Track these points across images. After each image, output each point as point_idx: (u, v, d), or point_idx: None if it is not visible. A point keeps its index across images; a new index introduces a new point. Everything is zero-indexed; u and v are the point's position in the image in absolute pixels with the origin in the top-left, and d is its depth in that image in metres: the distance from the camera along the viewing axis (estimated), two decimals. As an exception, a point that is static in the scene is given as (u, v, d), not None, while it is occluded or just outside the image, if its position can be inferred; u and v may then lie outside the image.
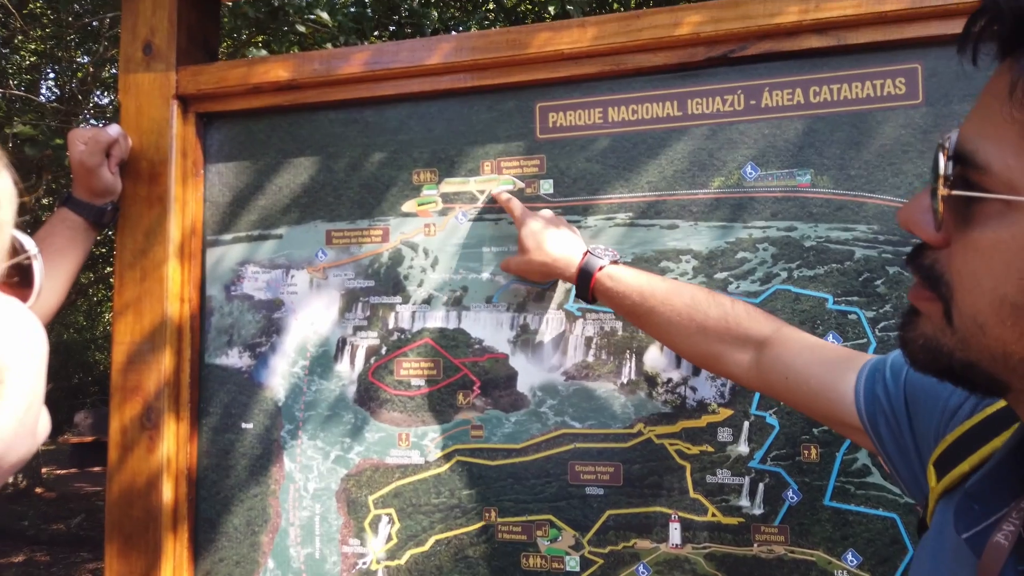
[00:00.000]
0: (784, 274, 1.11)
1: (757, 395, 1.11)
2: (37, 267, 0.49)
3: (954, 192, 0.45)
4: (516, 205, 1.18)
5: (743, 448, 1.11)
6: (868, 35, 1.06)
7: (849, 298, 1.08)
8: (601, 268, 1.05)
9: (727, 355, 0.94)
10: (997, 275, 0.44)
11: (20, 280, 0.47)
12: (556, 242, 1.10)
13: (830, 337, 1.08)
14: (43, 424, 0.49)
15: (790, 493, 1.09)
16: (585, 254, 1.08)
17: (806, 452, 1.09)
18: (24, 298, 0.47)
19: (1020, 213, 0.43)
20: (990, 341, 0.46)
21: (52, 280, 1.22)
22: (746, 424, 1.11)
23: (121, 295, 1.31)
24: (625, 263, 1.10)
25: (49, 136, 3.21)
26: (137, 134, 1.32)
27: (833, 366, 0.82)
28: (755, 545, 1.10)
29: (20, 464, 0.47)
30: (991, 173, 0.44)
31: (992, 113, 0.45)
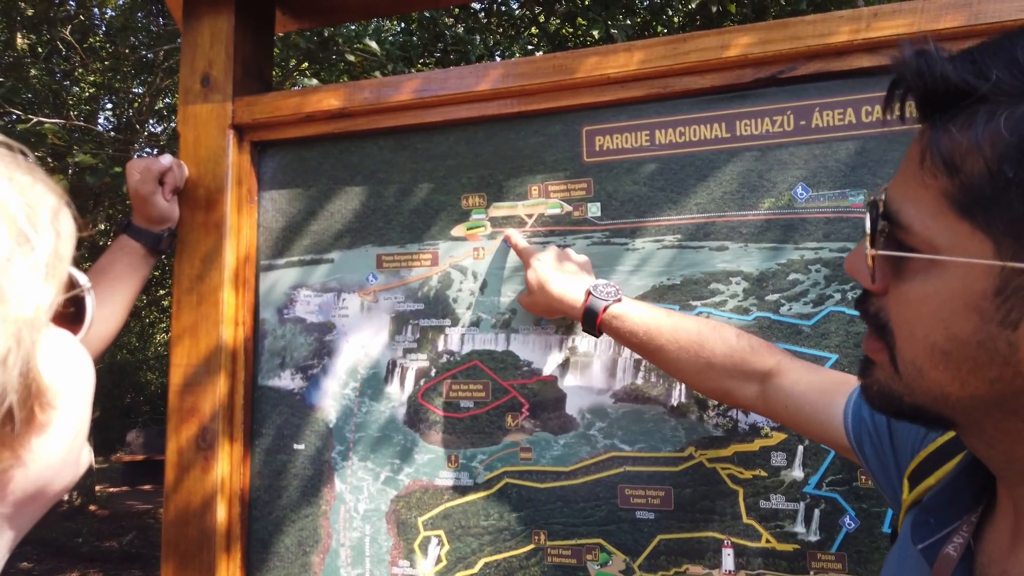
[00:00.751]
0: (837, 295, 1.09)
1: (811, 419, 1.09)
2: (89, 301, 0.50)
3: (880, 252, 0.50)
4: (522, 245, 1.22)
5: (798, 473, 1.09)
6: (921, 53, 1.04)
7: (906, 320, 1.06)
8: (605, 309, 1.06)
9: (736, 390, 0.99)
10: (927, 325, 0.48)
11: (73, 313, 0.49)
12: (559, 282, 1.11)
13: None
14: (85, 456, 0.51)
15: (847, 519, 1.06)
16: (588, 295, 1.08)
17: (864, 478, 1.06)
18: (75, 331, 0.49)
19: (941, 269, 0.47)
20: (929, 384, 0.50)
21: (112, 305, 1.26)
22: (800, 448, 1.09)
23: (179, 319, 1.35)
24: (630, 298, 1.11)
25: (108, 165, 3.33)
26: (195, 163, 1.37)
27: (826, 392, 0.89)
28: (811, 572, 1.07)
29: (62, 493, 0.48)
30: (913, 232, 0.48)
31: (911, 176, 0.49)
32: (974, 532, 0.55)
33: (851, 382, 0.88)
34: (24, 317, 0.39)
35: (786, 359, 0.97)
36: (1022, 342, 0.44)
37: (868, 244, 0.51)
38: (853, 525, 1.06)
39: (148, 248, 1.30)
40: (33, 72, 4.90)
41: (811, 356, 1.09)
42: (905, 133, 1.07)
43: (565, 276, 1.12)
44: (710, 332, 1.01)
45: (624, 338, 1.07)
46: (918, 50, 0.47)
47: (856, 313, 1.07)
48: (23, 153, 0.45)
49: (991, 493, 0.57)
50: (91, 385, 0.49)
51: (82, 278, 0.49)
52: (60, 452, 0.45)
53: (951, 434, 0.65)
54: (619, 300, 1.08)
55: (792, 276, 1.11)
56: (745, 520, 1.11)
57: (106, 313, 1.25)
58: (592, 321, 1.07)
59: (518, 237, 1.23)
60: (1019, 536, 0.52)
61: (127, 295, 1.29)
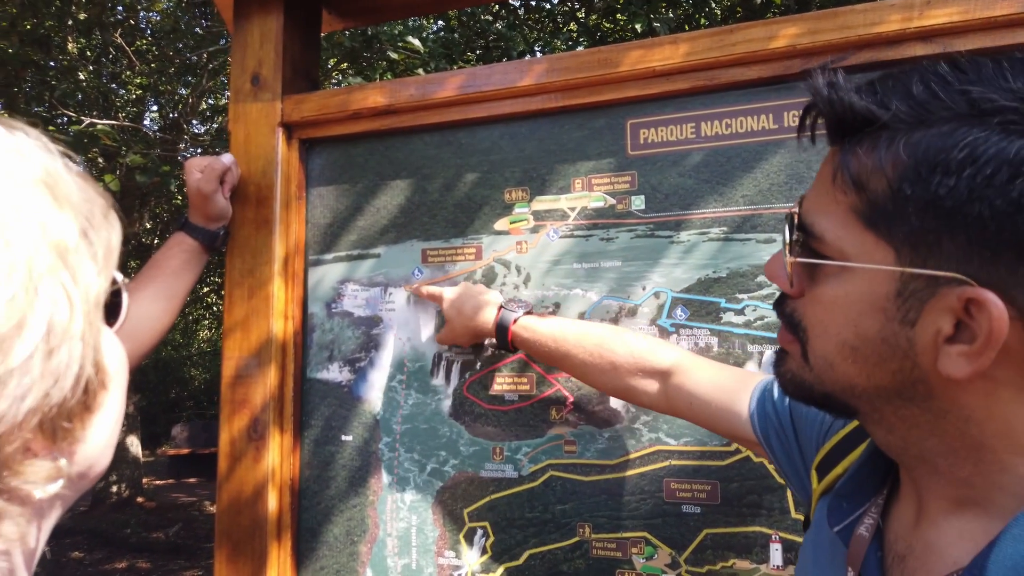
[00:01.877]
0: (889, 288, 1.07)
1: (862, 413, 1.08)
2: (125, 298, 0.52)
3: (798, 260, 0.56)
4: (431, 288, 1.30)
5: (847, 467, 1.08)
6: (976, 41, 1.02)
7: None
8: (515, 321, 1.17)
9: (638, 387, 1.06)
10: (838, 323, 0.54)
11: (110, 310, 0.51)
12: (472, 307, 1.22)
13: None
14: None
15: (899, 515, 1.05)
16: (500, 310, 1.20)
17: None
18: (111, 325, 0.51)
19: (850, 275, 0.53)
20: (838, 376, 0.56)
21: (167, 300, 1.29)
22: (850, 443, 1.08)
23: (231, 313, 1.38)
24: (540, 313, 1.24)
25: (157, 164, 3.42)
26: (245, 160, 1.40)
27: (729, 389, 0.94)
28: (862, 568, 1.06)
29: (99, 477, 0.50)
30: (826, 242, 0.54)
31: (824, 193, 0.55)
32: (882, 513, 0.61)
33: (754, 378, 0.94)
34: (91, 299, 0.42)
35: (685, 356, 1.03)
36: (918, 338, 0.50)
37: (786, 252, 0.57)
38: (905, 521, 1.04)
39: (204, 245, 1.34)
40: (82, 75, 5.05)
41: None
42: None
43: (477, 300, 1.22)
44: (612, 335, 1.09)
45: (534, 348, 1.16)
46: (829, 81, 0.53)
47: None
48: (70, 158, 0.48)
49: (895, 477, 0.63)
50: (127, 375, 0.52)
51: (118, 276, 0.51)
52: (107, 433, 0.48)
53: (853, 426, 0.72)
54: (529, 313, 1.21)
55: (841, 268, 1.10)
56: (794, 515, 1.10)
57: (160, 308, 1.28)
58: (504, 334, 1.17)
59: (426, 287, 1.31)
60: (921, 514, 0.57)
61: (181, 290, 1.33)
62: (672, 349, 1.05)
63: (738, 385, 0.94)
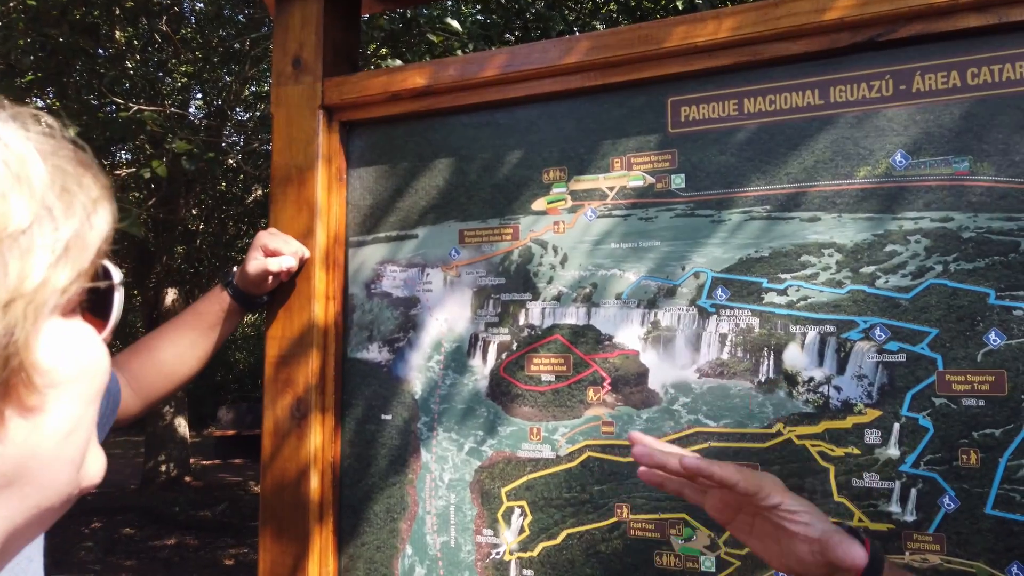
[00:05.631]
0: (939, 267, 1.04)
1: (909, 396, 1.05)
2: (117, 298, 0.48)
3: None
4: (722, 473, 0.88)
5: (893, 451, 1.05)
6: (1035, 9, 0.98)
7: (1014, 292, 1.01)
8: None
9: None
10: None
11: (97, 308, 0.47)
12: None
13: (992, 335, 1.01)
14: (95, 464, 0.48)
15: (946, 500, 1.02)
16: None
17: (964, 457, 1.02)
18: (99, 328, 0.47)
19: None
20: None
21: (198, 349, 1.33)
22: (896, 426, 1.06)
23: (274, 296, 1.41)
24: None
25: (202, 151, 3.48)
26: (287, 143, 1.42)
27: None
28: (907, 553, 1.04)
29: (58, 498, 0.45)
30: None
31: None
32: None
33: None
34: (23, 290, 0.38)
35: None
36: None
37: None
38: (953, 506, 1.02)
39: (243, 307, 1.36)
40: (129, 64, 5.16)
41: (909, 330, 1.05)
42: (1017, 95, 1.01)
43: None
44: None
45: None
46: None
47: (961, 285, 1.03)
48: (81, 148, 0.45)
49: None
50: (98, 385, 0.45)
51: (116, 274, 0.47)
52: (49, 444, 0.42)
53: None
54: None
55: (889, 247, 1.07)
56: (836, 498, 1.08)
57: (191, 355, 1.33)
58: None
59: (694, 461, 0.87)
60: None
61: (214, 341, 1.36)
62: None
63: None
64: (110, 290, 0.47)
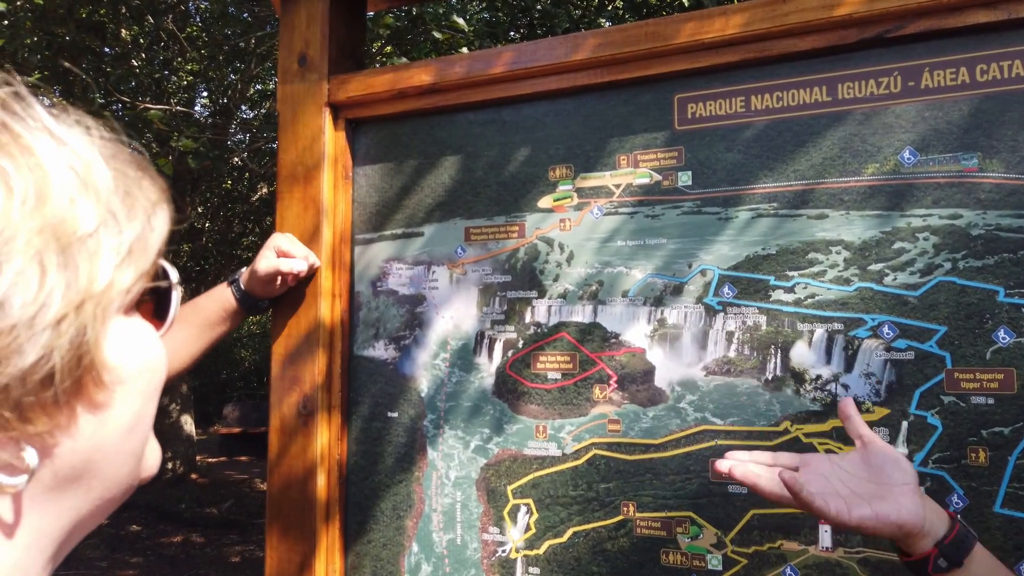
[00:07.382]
0: (947, 265, 1.04)
1: (917, 394, 1.05)
2: (175, 297, 0.50)
3: None
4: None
5: (902, 449, 1.05)
6: (1045, 5, 0.97)
7: (1023, 290, 1.00)
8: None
9: None
10: None
11: (155, 307, 0.49)
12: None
13: (1001, 332, 1.01)
14: (153, 456, 0.50)
15: (955, 498, 1.02)
16: None
17: (973, 455, 1.01)
18: (157, 326, 0.49)
19: None
20: None
21: (193, 344, 1.33)
22: (905, 424, 1.05)
23: (277, 298, 1.40)
24: None
25: (208, 149, 3.49)
26: (293, 141, 1.42)
27: None
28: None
29: (121, 490, 0.46)
30: None
31: None
32: None
33: None
34: (92, 291, 0.39)
35: None
36: None
37: None
38: (961, 504, 1.02)
39: (245, 309, 1.35)
40: (135, 62, 5.17)
41: (918, 328, 1.05)
42: (1023, 92, 1.01)
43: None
44: None
45: None
46: None
47: (970, 283, 1.02)
48: (139, 152, 0.46)
49: None
50: (157, 382, 0.47)
51: (173, 274, 0.49)
52: (113, 439, 0.44)
53: None
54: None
55: (897, 244, 1.07)
56: (844, 496, 1.08)
57: (184, 352, 1.32)
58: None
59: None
60: None
61: (212, 339, 1.35)
62: None
63: None
64: (168, 289, 0.49)
